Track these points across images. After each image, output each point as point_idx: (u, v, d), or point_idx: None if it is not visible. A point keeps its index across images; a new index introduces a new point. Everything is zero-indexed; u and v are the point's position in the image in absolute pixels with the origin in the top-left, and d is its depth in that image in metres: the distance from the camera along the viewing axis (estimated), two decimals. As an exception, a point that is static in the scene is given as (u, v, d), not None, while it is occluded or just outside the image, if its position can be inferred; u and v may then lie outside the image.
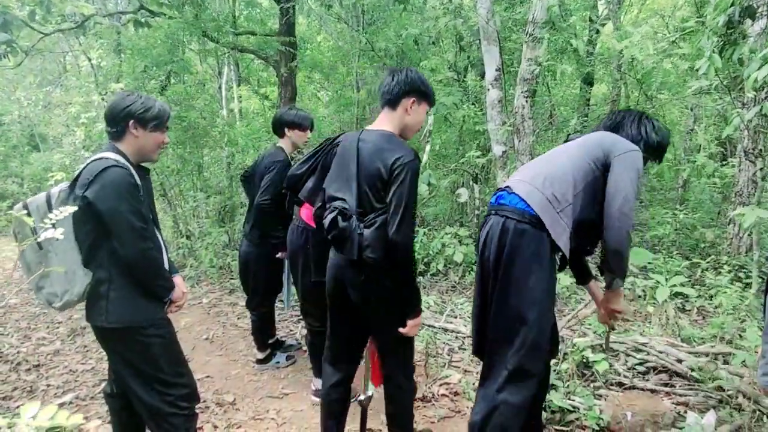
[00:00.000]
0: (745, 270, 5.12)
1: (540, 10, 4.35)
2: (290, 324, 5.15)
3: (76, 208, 1.76)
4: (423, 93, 2.42)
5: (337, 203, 2.35)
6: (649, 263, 4.57)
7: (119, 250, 2.19)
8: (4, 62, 7.32)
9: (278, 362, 4.17)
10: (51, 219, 1.49)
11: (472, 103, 6.14)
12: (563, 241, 2.17)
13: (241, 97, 11.85)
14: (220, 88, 10.54)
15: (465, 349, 4.18)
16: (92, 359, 4.56)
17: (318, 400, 3.26)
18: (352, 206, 2.31)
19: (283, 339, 4.51)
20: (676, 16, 6.85)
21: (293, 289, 3.83)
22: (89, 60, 12.34)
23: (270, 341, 4.20)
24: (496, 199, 2.36)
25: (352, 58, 8.34)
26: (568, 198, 2.19)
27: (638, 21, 7.23)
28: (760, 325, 3.56)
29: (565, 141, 2.56)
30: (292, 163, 3.59)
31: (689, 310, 4.63)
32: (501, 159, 4.75)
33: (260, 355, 4.15)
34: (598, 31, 6.54)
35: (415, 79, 2.39)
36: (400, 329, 2.41)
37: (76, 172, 2.23)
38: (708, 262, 5.03)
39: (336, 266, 2.48)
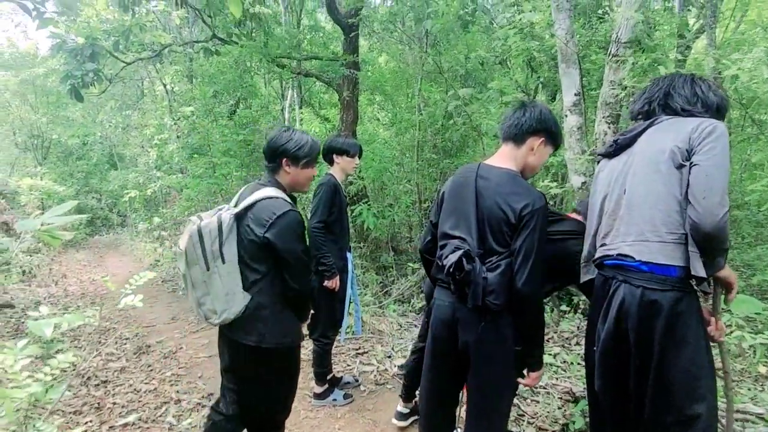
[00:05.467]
0: None
1: (625, 28, 3.98)
2: (348, 358, 4.93)
3: (236, 238, 2.38)
4: (553, 134, 2.32)
5: (456, 242, 2.24)
6: (757, 313, 4.04)
7: (290, 282, 2.44)
8: (90, 89, 7.68)
9: (335, 400, 4.01)
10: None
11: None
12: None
13: (303, 119, 11.95)
14: (282, 110, 10.68)
15: (538, 402, 3.80)
16: (155, 380, 4.58)
17: (402, 424, 3.50)
18: (473, 247, 2.20)
19: (341, 375, 4.37)
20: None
21: (350, 320, 3.72)
22: (164, 85, 12.90)
23: (328, 377, 4.06)
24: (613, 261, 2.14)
25: (414, 80, 8.18)
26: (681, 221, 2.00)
27: (737, 34, 6.58)
28: None
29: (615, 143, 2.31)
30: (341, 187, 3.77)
31: None
32: (580, 190, 4.37)
33: (318, 389, 4.02)
34: (688, 47, 6.01)
35: (549, 119, 2.29)
36: (521, 380, 2.33)
37: (244, 204, 2.43)
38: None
39: (448, 308, 2.31)
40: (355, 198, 7.76)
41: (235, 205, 2.50)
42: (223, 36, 8.21)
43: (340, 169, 3.83)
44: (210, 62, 9.07)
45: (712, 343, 2.13)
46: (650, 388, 2.05)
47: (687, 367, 1.98)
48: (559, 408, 3.64)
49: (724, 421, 3.02)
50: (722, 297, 2.20)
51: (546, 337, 4.98)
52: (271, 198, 2.43)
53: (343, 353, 5.01)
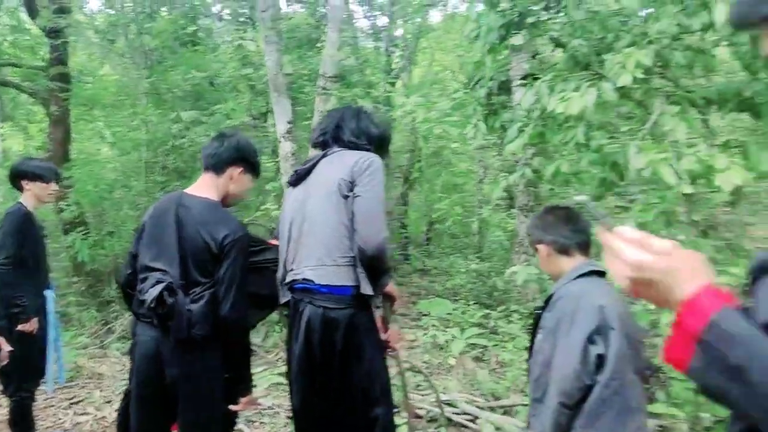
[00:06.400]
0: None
1: (330, 64, 4.37)
2: (59, 411, 4.35)
3: None
4: (251, 164, 2.37)
5: (157, 275, 2.16)
6: (449, 313, 4.76)
7: None
8: None
9: (42, 462, 3.51)
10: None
11: (274, 152, 5.97)
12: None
13: (3, 135, 10.22)
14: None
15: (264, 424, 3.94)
16: None
17: None
18: (176, 278, 2.15)
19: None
20: (463, 71, 7.49)
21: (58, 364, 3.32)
22: None
23: (31, 436, 3.53)
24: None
25: (137, 98, 7.69)
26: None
27: (428, 74, 7.70)
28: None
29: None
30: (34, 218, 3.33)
31: (487, 360, 4.83)
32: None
33: (17, 455, 3.44)
34: (394, 83, 6.83)
35: (246, 149, 2.34)
36: (232, 407, 2.30)
37: None
38: (499, 311, 5.35)
39: (151, 342, 2.22)
40: (69, 226, 6.94)
41: None
42: None
43: (32, 196, 3.37)
44: None
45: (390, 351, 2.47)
46: (335, 400, 2.25)
47: (364, 376, 2.23)
48: (284, 426, 3.78)
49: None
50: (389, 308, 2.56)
51: (276, 357, 5.14)
52: None
53: (53, 405, 4.37)
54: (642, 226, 2.69)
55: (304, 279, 2.24)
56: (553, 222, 2.05)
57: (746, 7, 0.84)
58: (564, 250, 2.01)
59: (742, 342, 0.71)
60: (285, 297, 2.41)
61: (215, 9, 7.76)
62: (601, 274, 2.01)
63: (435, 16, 9.02)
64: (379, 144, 2.45)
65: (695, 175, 2.32)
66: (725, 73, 3.60)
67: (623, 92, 2.68)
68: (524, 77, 3.49)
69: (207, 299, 2.15)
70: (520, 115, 3.38)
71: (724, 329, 0.73)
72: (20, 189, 3.38)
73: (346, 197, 2.21)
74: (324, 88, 4.39)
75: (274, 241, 2.91)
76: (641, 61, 2.39)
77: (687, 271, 0.79)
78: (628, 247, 0.82)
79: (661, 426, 3.33)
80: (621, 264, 0.83)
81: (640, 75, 2.35)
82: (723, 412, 2.54)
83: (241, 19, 6.91)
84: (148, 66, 7.67)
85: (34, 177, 3.36)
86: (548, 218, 2.08)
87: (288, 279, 2.35)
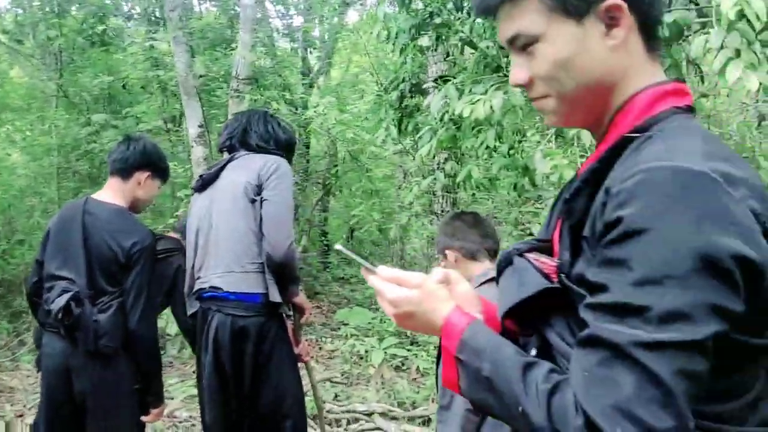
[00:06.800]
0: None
1: (242, 66, 4.19)
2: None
3: None
4: (158, 168, 2.36)
5: (64, 284, 2.12)
6: (369, 322, 4.67)
7: None
8: None
9: None
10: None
11: (188, 157, 5.70)
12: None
13: None
14: None
15: None
16: None
17: None
18: (83, 288, 2.11)
19: None
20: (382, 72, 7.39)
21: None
22: None
23: None
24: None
25: (47, 101, 7.29)
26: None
27: (346, 76, 7.56)
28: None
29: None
30: None
31: (407, 369, 4.75)
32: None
33: None
34: (312, 85, 6.68)
35: (153, 153, 2.33)
36: (143, 417, 2.27)
37: None
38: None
39: (59, 356, 2.16)
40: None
41: None
42: None
43: None
44: None
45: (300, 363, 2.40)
46: (246, 411, 2.19)
47: (275, 387, 2.18)
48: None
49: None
50: (298, 320, 2.44)
51: (191, 369, 4.94)
52: None
53: None
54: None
55: (211, 287, 2.20)
56: (460, 227, 2.06)
57: None
58: (472, 256, 2.01)
59: (489, 355, 0.73)
60: (193, 307, 2.33)
61: (125, 7, 7.41)
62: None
63: (353, 16, 8.83)
64: (287, 148, 2.42)
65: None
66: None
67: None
68: (436, 80, 3.45)
69: (115, 309, 2.12)
70: (432, 119, 3.32)
71: (473, 346, 0.76)
72: None
73: (253, 201, 2.17)
74: (237, 91, 4.22)
75: (172, 234, 2.82)
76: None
77: (438, 297, 0.83)
78: (386, 285, 0.86)
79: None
80: (383, 302, 0.87)
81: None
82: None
83: (152, 18, 6.61)
84: (57, 68, 7.29)
85: None
86: (456, 224, 2.09)
87: (196, 287, 2.28)
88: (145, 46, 4.85)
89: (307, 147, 6.71)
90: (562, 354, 0.73)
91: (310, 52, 6.76)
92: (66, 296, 2.06)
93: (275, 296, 2.15)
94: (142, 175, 2.29)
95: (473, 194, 5.05)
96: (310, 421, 3.19)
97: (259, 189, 2.18)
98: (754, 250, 0.62)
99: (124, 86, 6.66)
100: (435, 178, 3.61)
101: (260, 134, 2.35)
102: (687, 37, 2.14)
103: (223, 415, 2.23)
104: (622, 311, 0.64)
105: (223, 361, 2.16)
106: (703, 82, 2.67)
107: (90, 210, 2.21)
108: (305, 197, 6.53)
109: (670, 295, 0.61)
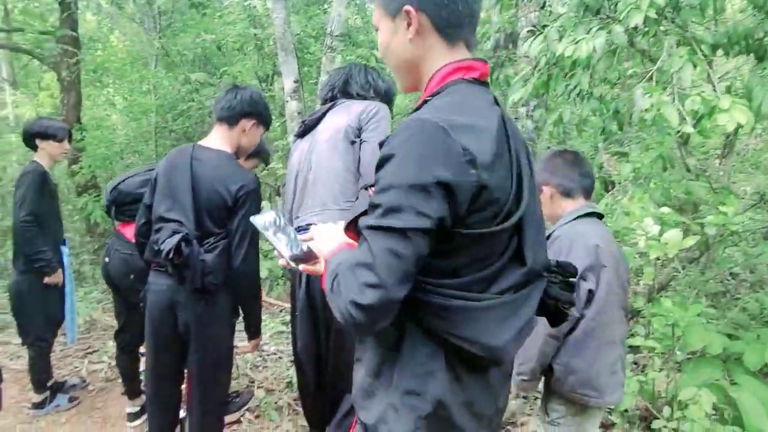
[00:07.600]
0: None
1: (337, 23, 4.38)
2: (75, 360, 4.50)
3: None
4: (263, 117, 2.45)
5: (173, 225, 2.21)
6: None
7: None
8: None
9: (58, 405, 3.63)
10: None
11: (281, 114, 6.00)
12: None
13: (15, 102, 10.30)
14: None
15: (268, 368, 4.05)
16: None
17: (135, 424, 3.26)
18: (191, 230, 2.21)
19: (64, 379, 3.95)
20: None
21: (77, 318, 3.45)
22: None
23: (49, 383, 3.65)
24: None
25: (147, 63, 7.71)
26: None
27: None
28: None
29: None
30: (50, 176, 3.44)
31: None
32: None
33: (36, 398, 3.59)
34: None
35: (258, 101, 2.42)
36: (242, 348, 2.53)
37: None
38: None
39: (166, 292, 2.32)
40: (82, 189, 7.05)
41: None
42: None
43: (46, 155, 3.48)
44: None
45: None
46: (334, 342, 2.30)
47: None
48: (287, 369, 3.91)
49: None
50: None
51: (278, 309, 5.27)
52: None
53: (69, 355, 4.54)
54: (638, 170, 2.73)
55: (308, 225, 2.24)
56: (561, 165, 2.10)
57: None
58: (567, 193, 2.06)
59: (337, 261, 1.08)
60: None
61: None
62: (599, 216, 2.07)
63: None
64: (386, 97, 2.49)
65: (698, 116, 2.33)
66: (735, 12, 3.54)
67: (630, 40, 2.65)
68: (533, 26, 3.47)
69: (221, 249, 2.23)
70: (526, 65, 3.36)
71: (331, 259, 1.13)
72: (34, 148, 3.48)
73: (353, 143, 2.25)
74: (331, 47, 4.40)
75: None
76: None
77: (326, 240, 1.22)
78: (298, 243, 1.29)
79: (635, 363, 3.44)
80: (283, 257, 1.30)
81: (653, 15, 2.28)
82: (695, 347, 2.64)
83: (249, -21, 6.88)
84: (157, 30, 7.62)
85: (47, 136, 3.45)
86: (556, 161, 2.12)
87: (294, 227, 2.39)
88: (244, 5, 5.10)
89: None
90: None
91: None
92: (177, 237, 2.14)
93: None
94: (247, 123, 2.38)
95: (548, 147, 5.06)
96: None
97: (358, 131, 2.24)
98: (453, 175, 0.96)
99: (219, 47, 6.99)
100: (523, 126, 3.68)
101: (360, 84, 2.42)
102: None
103: (313, 343, 2.36)
104: (371, 208, 1.01)
105: (316, 295, 2.25)
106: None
107: (198, 156, 2.30)
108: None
109: (392, 197, 0.96)
